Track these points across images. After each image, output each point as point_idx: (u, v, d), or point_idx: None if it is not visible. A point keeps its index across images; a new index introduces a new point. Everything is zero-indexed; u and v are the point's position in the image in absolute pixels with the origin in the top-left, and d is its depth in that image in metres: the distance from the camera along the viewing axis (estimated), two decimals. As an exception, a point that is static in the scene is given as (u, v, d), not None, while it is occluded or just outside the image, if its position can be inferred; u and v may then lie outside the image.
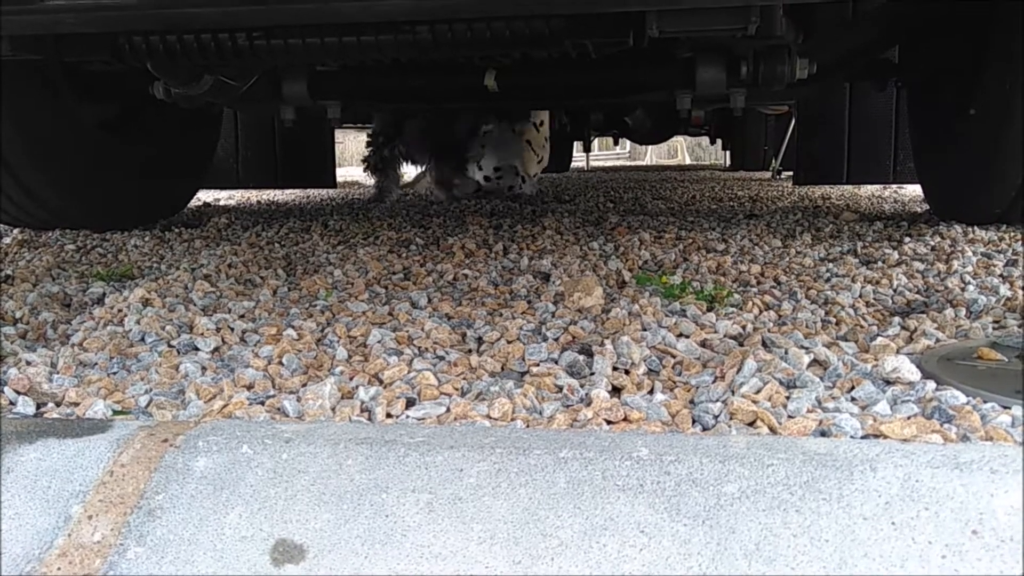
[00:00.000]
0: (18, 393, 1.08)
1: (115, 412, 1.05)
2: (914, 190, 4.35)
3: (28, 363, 1.24)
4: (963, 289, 1.68)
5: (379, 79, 2.52)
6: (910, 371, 1.07)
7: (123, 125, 2.93)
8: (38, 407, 1.08)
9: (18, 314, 1.58)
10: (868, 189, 4.77)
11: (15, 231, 2.87)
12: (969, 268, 1.90)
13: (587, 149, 8.95)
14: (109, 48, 1.78)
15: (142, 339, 1.38)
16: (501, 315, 1.51)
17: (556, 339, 1.34)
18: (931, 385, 1.04)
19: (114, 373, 1.23)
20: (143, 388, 1.14)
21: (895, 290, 1.70)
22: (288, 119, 2.68)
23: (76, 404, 1.08)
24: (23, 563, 0.75)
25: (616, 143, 11.32)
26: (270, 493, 0.79)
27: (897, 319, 1.43)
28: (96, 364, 1.26)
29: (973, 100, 2.47)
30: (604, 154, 14.45)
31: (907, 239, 2.38)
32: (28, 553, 0.76)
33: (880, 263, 2.02)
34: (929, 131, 2.94)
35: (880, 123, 4.31)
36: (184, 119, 3.15)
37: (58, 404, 1.09)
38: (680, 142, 14.04)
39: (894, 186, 4.77)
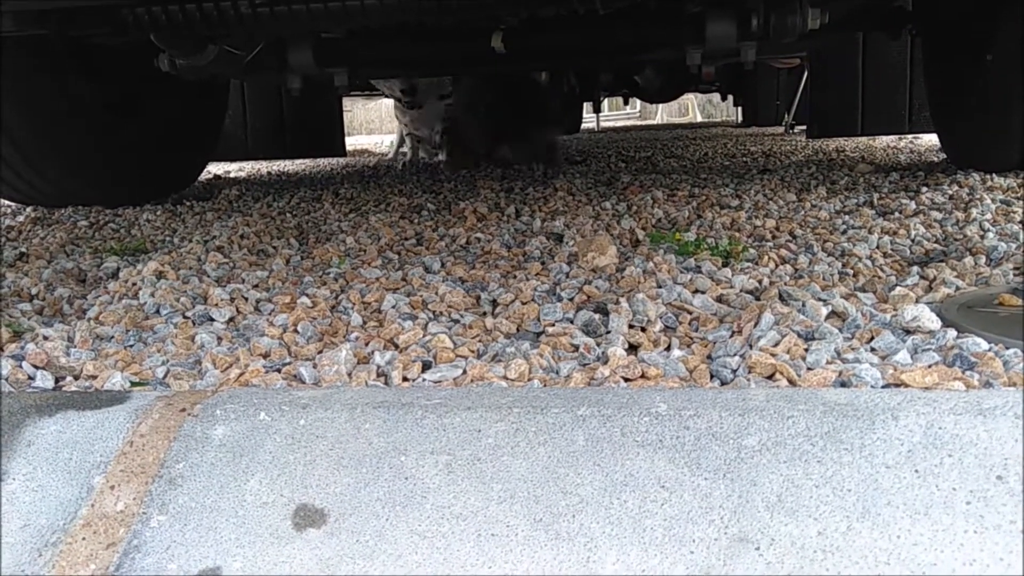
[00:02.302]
0: (36, 367, 1.09)
1: (133, 384, 1.06)
2: (930, 139, 4.29)
3: (45, 338, 1.24)
4: (982, 237, 1.65)
5: (385, 45, 2.49)
6: (930, 320, 1.06)
7: (130, 101, 2.92)
8: (56, 381, 1.08)
9: (34, 290, 1.58)
10: (883, 140, 4.71)
11: (28, 209, 2.87)
12: (988, 216, 1.87)
13: (597, 110, 8.88)
14: (112, 21, 1.76)
15: (157, 311, 1.38)
16: (515, 277, 1.50)
17: (571, 299, 1.33)
18: (952, 333, 1.03)
19: (131, 346, 1.24)
20: (160, 360, 1.14)
21: (913, 240, 1.68)
22: (294, 88, 2.66)
23: (94, 377, 1.08)
24: (48, 533, 0.76)
25: (626, 103, 11.21)
26: (289, 459, 0.79)
27: (916, 268, 1.41)
28: (112, 337, 1.27)
29: (990, 46, 2.42)
30: (614, 114, 14.32)
31: (924, 189, 2.35)
32: (53, 524, 0.77)
33: (897, 214, 1.99)
34: (945, 79, 2.89)
35: (894, 72, 4.24)
36: (191, 91, 3.13)
37: (76, 377, 1.09)
38: (691, 100, 13.89)
39: (910, 136, 4.71)
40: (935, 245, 1.62)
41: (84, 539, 0.76)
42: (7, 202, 3.02)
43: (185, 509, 0.77)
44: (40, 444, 0.84)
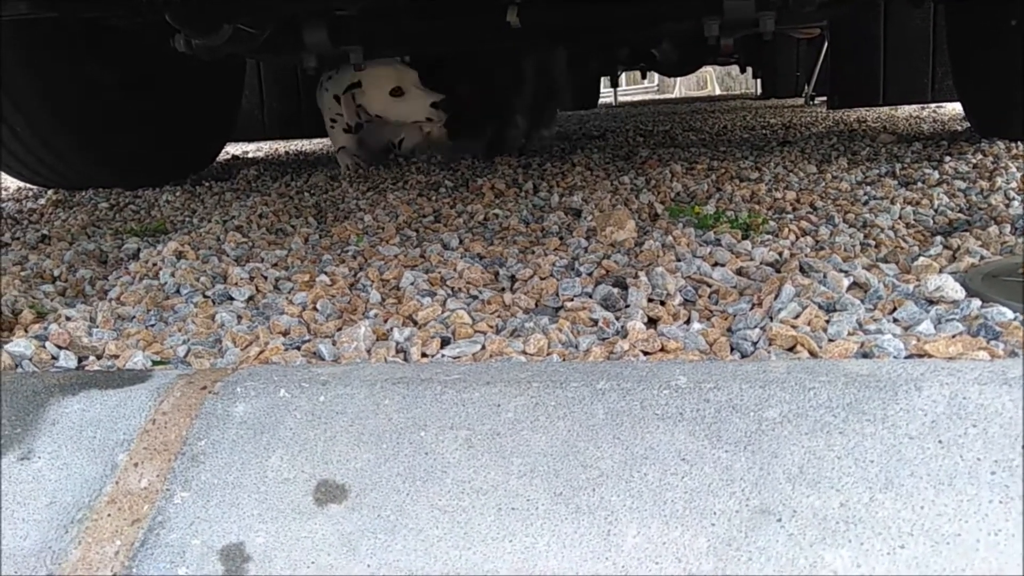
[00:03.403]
0: (59, 348, 1.10)
1: (154, 363, 1.06)
2: (954, 108, 4.22)
3: (68, 319, 1.25)
4: (1007, 205, 1.63)
5: (400, 22, 2.48)
6: (954, 289, 1.04)
7: (148, 83, 2.92)
8: (79, 360, 1.09)
9: (56, 272, 1.60)
10: (906, 110, 4.65)
11: (49, 192, 2.89)
12: (1013, 184, 1.84)
13: (614, 84, 8.83)
14: (126, 1, 1.76)
15: (177, 291, 1.39)
16: (533, 252, 1.49)
17: (590, 273, 1.32)
18: (976, 303, 1.01)
19: (152, 325, 1.24)
20: (181, 339, 1.15)
21: (936, 210, 1.66)
22: (310, 67, 2.65)
23: (116, 356, 1.09)
24: (74, 510, 0.77)
25: (644, 77, 11.14)
26: (309, 435, 0.80)
27: (939, 238, 1.39)
28: (134, 317, 1.28)
29: (1014, 11, 2.38)
30: (632, 88, 14.22)
31: (947, 158, 2.31)
32: (78, 501, 0.78)
33: (920, 183, 1.97)
34: (969, 46, 2.84)
35: (917, 40, 4.16)
36: (208, 73, 3.13)
37: (99, 357, 1.10)
38: (709, 72, 13.76)
39: (933, 105, 4.64)
40: (959, 215, 1.60)
41: (109, 515, 0.76)
42: (29, 185, 3.05)
43: (208, 485, 0.77)
44: (64, 423, 0.85)
